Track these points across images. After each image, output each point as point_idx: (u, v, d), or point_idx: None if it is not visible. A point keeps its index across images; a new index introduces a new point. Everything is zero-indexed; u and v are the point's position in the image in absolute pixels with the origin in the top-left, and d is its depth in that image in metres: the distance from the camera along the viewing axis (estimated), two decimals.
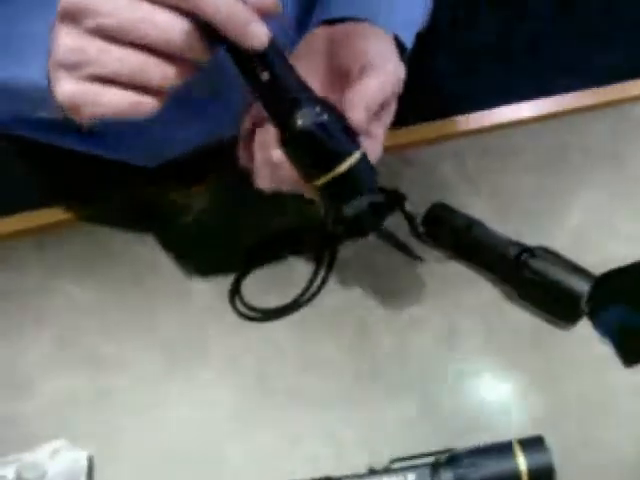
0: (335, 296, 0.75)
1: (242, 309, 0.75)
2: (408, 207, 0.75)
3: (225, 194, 0.79)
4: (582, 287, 0.69)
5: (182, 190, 0.81)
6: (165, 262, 0.78)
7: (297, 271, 0.76)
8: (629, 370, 0.68)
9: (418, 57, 0.73)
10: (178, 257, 0.78)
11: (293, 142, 0.55)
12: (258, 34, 0.48)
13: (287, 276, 0.76)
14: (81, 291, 0.77)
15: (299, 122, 0.53)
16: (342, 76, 0.61)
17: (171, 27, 0.45)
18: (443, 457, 0.62)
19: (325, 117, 0.53)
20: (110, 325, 0.75)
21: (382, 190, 0.74)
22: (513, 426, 0.66)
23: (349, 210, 0.58)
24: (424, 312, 0.73)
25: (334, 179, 0.55)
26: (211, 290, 0.76)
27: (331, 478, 0.62)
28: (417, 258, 0.76)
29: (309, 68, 0.61)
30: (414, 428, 0.67)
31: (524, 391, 0.68)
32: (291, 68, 0.53)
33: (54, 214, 0.82)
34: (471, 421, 0.67)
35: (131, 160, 0.78)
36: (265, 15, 0.49)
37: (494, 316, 0.72)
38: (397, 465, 0.62)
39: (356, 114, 0.56)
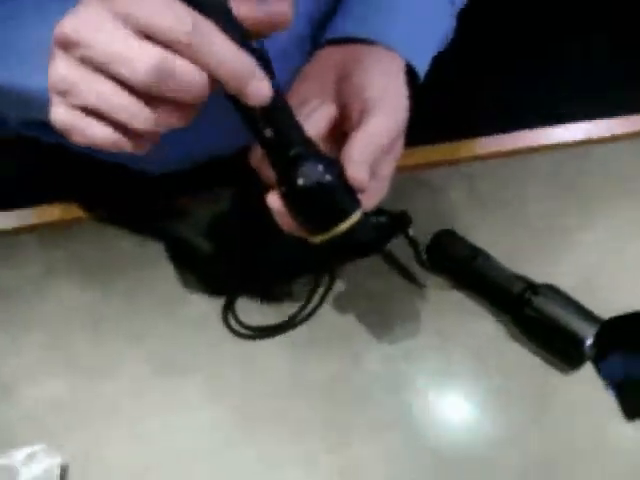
0: (330, 320, 0.72)
1: (234, 325, 0.73)
2: (413, 231, 0.73)
3: (229, 207, 0.77)
4: (587, 331, 0.65)
5: (187, 199, 0.80)
6: (161, 271, 0.77)
7: (294, 291, 0.74)
8: (629, 424, 0.65)
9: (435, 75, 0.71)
10: (175, 267, 0.77)
11: (292, 198, 0.52)
12: (260, 91, 0.45)
13: (284, 295, 0.74)
14: (74, 294, 0.76)
15: (300, 180, 0.51)
16: (344, 109, 0.58)
17: (156, 68, 0.42)
18: None
19: (327, 177, 0.51)
20: (99, 331, 0.74)
21: (388, 212, 0.72)
22: (500, 471, 0.63)
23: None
24: (419, 343, 0.70)
25: (331, 238, 0.53)
26: (205, 303, 0.74)
27: None
28: (418, 285, 0.73)
29: (319, 91, 0.59)
30: (396, 464, 0.64)
31: (516, 435, 0.65)
32: (296, 122, 0.51)
33: (57, 212, 0.81)
34: (457, 462, 0.64)
35: (133, 165, 0.77)
36: (275, 28, 0.46)
37: (492, 352, 0.69)
38: None
39: (356, 172, 0.53)
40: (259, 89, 0.45)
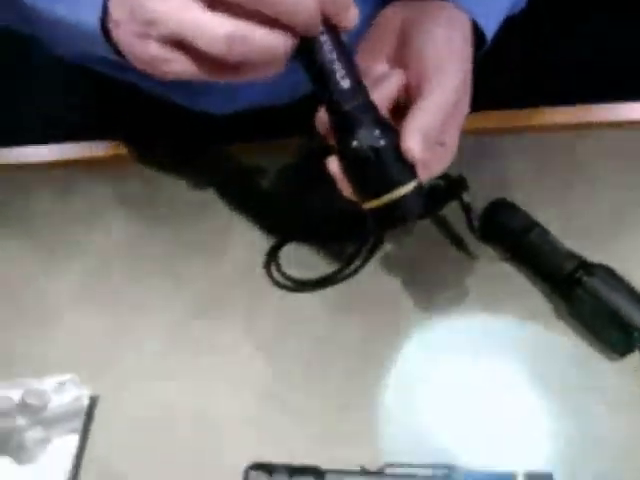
0: (371, 280, 0.71)
1: (275, 275, 0.72)
2: (469, 198, 0.70)
3: (291, 159, 0.76)
4: (638, 318, 0.62)
5: (246, 146, 0.79)
6: (210, 215, 0.77)
7: (340, 248, 0.73)
8: None
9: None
10: (225, 212, 0.77)
11: (346, 160, 0.53)
12: (355, 17, 0.47)
13: (329, 251, 0.73)
14: (120, 229, 0.77)
15: (354, 142, 0.51)
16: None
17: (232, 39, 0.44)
18: (440, 473, 0.57)
19: (382, 143, 0.51)
20: (142, 267, 0.75)
21: (446, 176, 0.70)
22: (520, 456, 0.60)
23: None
24: (459, 312, 0.68)
25: (381, 206, 0.52)
26: (249, 249, 0.74)
27: (319, 469, 0.58)
28: (467, 253, 0.71)
29: (383, 53, 0.59)
30: (417, 435, 0.62)
31: (546, 420, 0.62)
32: (361, 83, 0.51)
33: (113, 149, 0.82)
34: (478, 440, 0.61)
35: (198, 105, 0.76)
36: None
37: (536, 331, 0.66)
38: (390, 471, 0.59)
39: (409, 143, 0.52)
40: (355, 15, 0.47)
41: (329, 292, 0.71)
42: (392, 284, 0.70)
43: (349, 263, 0.71)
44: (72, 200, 0.79)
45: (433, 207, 0.71)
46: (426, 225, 0.73)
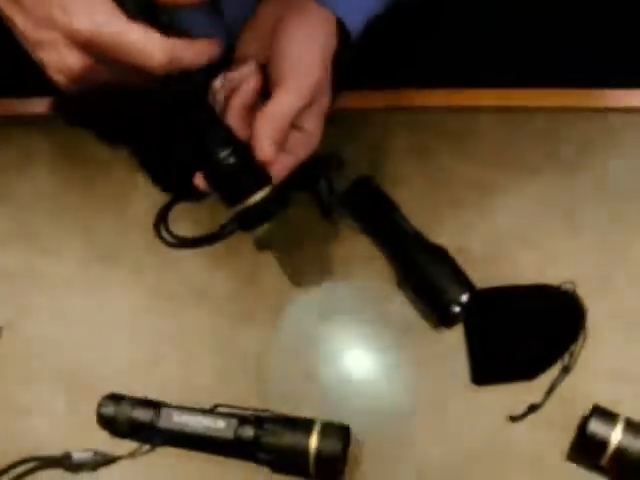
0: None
1: (164, 233, 0.81)
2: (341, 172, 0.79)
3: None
4: (458, 296, 0.70)
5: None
6: (119, 171, 0.85)
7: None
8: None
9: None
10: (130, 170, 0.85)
11: (206, 177, 0.60)
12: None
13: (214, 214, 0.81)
14: (44, 180, 0.86)
15: (210, 161, 0.59)
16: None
17: None
18: (261, 414, 0.67)
19: (231, 160, 0.58)
20: (60, 214, 0.84)
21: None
22: (345, 412, 0.69)
23: None
24: (309, 275, 0.76)
25: (240, 211, 0.60)
26: (150, 205, 0.83)
27: (157, 402, 0.68)
28: (330, 221, 0.79)
29: (259, 44, 0.64)
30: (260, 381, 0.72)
31: (371, 383, 0.71)
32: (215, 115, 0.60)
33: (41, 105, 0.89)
34: (310, 392, 0.71)
35: None
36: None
37: (376, 299, 0.75)
38: (219, 410, 0.68)
39: (261, 149, 0.59)
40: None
41: (206, 249, 0.80)
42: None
43: (225, 225, 0.79)
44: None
45: (302, 187, 0.79)
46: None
